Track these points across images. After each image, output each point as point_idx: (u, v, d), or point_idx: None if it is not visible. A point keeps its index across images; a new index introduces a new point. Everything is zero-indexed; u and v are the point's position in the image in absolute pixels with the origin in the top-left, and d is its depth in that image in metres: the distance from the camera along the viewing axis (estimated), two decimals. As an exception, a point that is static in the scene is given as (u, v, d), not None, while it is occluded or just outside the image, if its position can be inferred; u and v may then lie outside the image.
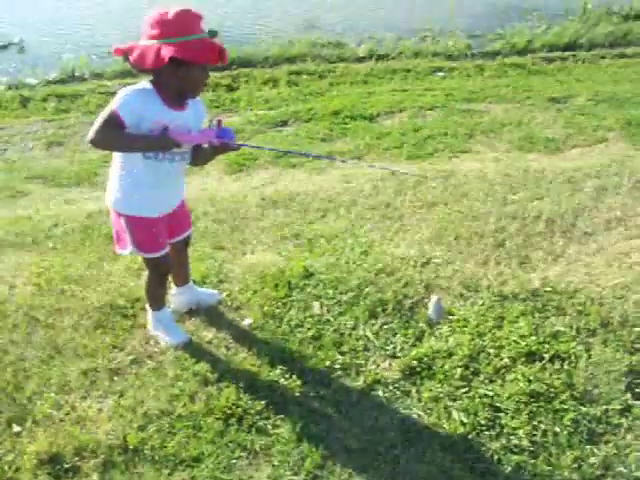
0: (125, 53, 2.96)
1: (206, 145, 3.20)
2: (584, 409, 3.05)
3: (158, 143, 3.02)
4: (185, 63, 2.92)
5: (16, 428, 3.02)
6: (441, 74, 10.36)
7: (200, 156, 3.28)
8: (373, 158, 6.51)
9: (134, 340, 3.57)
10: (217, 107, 8.77)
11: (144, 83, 3.05)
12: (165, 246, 3.38)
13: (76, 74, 10.50)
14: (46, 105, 9.19)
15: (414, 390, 3.21)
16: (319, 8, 13.93)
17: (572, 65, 10.60)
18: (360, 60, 11.07)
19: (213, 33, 2.96)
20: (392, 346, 3.49)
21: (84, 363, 3.39)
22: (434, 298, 3.73)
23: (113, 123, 2.92)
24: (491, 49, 11.39)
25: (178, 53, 2.85)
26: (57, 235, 4.83)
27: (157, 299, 3.56)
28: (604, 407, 3.06)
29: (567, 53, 11.08)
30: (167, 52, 2.85)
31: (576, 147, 6.54)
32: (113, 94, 3.07)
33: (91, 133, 2.91)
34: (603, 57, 10.94)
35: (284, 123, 8.07)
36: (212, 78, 9.49)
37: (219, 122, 3.16)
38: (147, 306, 3.60)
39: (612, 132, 6.90)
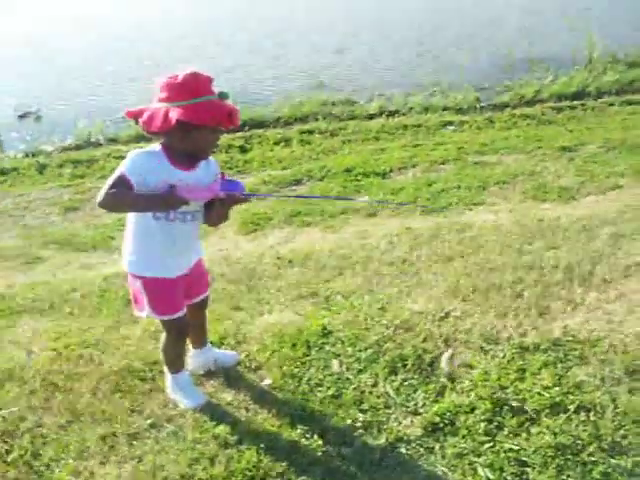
0: (136, 116, 3.01)
1: (216, 201, 3.20)
2: (614, 461, 2.97)
3: (165, 201, 3.03)
4: (194, 125, 2.96)
5: (35, 497, 2.99)
6: (452, 128, 10.44)
7: (212, 213, 3.28)
8: (388, 214, 6.51)
9: (152, 404, 3.53)
10: (230, 168, 8.85)
11: (154, 145, 3.10)
12: (182, 307, 3.37)
13: (91, 140, 10.67)
14: (62, 171, 9.32)
15: (437, 447, 3.15)
16: (327, 68, 14.14)
17: (581, 114, 10.66)
18: (371, 117, 11.18)
19: (224, 95, 3.01)
20: (413, 402, 3.44)
21: (102, 428, 3.35)
22: (447, 354, 3.69)
23: (121, 184, 2.96)
24: (500, 101, 11.49)
25: (185, 116, 2.89)
26: (74, 300, 4.85)
27: (175, 362, 3.53)
28: (635, 459, 2.98)
29: (575, 102, 11.15)
30: (175, 114, 2.89)
31: (590, 195, 6.54)
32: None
33: (100, 195, 2.97)
34: (611, 104, 11.01)
35: (298, 182, 8.12)
36: (225, 140, 9.65)
37: (222, 174, 3.18)
38: (165, 369, 3.58)
39: (625, 178, 6.90)
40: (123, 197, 3.00)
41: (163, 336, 3.50)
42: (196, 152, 3.13)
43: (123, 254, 3.33)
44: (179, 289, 3.34)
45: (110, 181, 2.97)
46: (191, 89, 2.93)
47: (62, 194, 8.31)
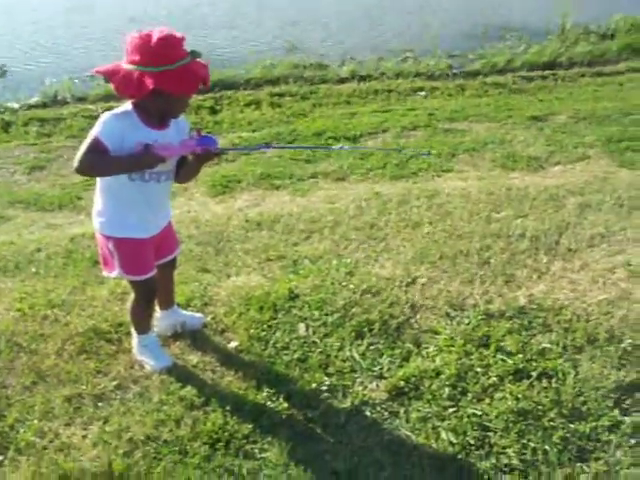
0: (106, 75, 2.96)
1: (190, 157, 3.19)
2: (573, 426, 3.04)
3: (143, 160, 3.01)
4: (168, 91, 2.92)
5: (-2, 457, 2.98)
6: (423, 94, 10.40)
7: (186, 170, 3.27)
8: (356, 179, 6.50)
9: (119, 365, 3.53)
10: (200, 129, 8.75)
11: (126, 105, 3.07)
12: (153, 268, 3.36)
13: (58, 98, 10.45)
14: (28, 129, 9.13)
15: (402, 411, 3.20)
16: (300, 30, 14.00)
17: (552, 84, 10.68)
18: (342, 81, 11.08)
19: (196, 54, 2.97)
20: (379, 367, 3.47)
21: (68, 389, 3.35)
22: None
23: (96, 149, 2.93)
24: (472, 69, 11.45)
25: (160, 84, 2.86)
26: (40, 260, 4.79)
27: (143, 323, 3.53)
28: (593, 424, 3.05)
29: (547, 72, 11.16)
30: (149, 82, 2.84)
31: (558, 165, 6.58)
32: (96, 117, 3.08)
33: (76, 161, 2.92)
34: (582, 75, 11.04)
35: (268, 145, 8.05)
36: (195, 101, 9.53)
37: (198, 131, 3.16)
38: (132, 330, 3.57)
39: (593, 149, 6.95)
40: (100, 162, 2.97)
41: (131, 297, 3.48)
42: (168, 113, 3.11)
43: (93, 215, 3.30)
44: (150, 250, 3.34)
45: (85, 146, 2.93)
46: (166, 54, 2.88)
47: (28, 153, 8.16)
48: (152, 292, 3.45)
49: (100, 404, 3.27)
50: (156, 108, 3.03)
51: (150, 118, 3.06)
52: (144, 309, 3.50)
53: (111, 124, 2.98)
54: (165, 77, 2.87)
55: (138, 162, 3.03)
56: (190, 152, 3.16)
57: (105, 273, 3.43)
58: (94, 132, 2.95)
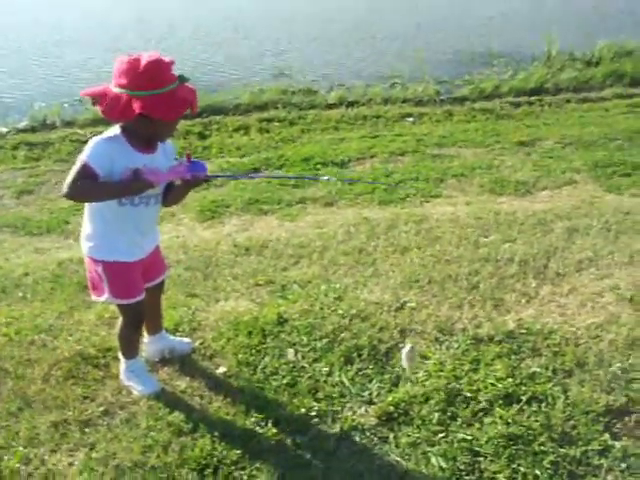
0: (93, 97, 2.96)
1: (178, 182, 3.20)
2: (563, 451, 3.03)
3: (132, 186, 3.02)
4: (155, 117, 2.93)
5: (-18, 484, 2.94)
6: (411, 120, 10.46)
7: (174, 194, 3.28)
8: (345, 204, 6.52)
9: (106, 391, 3.50)
10: (187, 153, 8.76)
11: (114, 129, 3.06)
12: (142, 292, 3.35)
13: (47, 122, 10.46)
14: (16, 153, 9.12)
15: (392, 436, 3.18)
16: (289, 57, 14.09)
17: (539, 109, 10.77)
18: (330, 107, 11.14)
19: (184, 79, 2.97)
20: (368, 392, 3.46)
21: (54, 415, 3.31)
22: (407, 347, 3.54)
23: (85, 174, 2.92)
24: (459, 94, 11.55)
25: (147, 110, 2.86)
26: (27, 284, 4.76)
27: (130, 348, 3.50)
28: (583, 448, 3.04)
29: (533, 98, 11.26)
30: (136, 107, 2.85)
31: (545, 189, 6.62)
32: (84, 142, 3.07)
33: (65, 187, 2.91)
34: (568, 101, 11.14)
35: (256, 170, 8.07)
36: (183, 126, 9.56)
37: (188, 156, 3.17)
38: (120, 355, 3.54)
39: (580, 174, 7.00)
40: (90, 188, 2.96)
41: (119, 321, 3.46)
42: (155, 137, 3.11)
43: (82, 239, 3.29)
44: (139, 273, 3.33)
45: (74, 172, 2.92)
46: (153, 79, 2.88)
47: (16, 177, 8.14)
48: (140, 316, 3.43)
49: (87, 430, 3.23)
50: (143, 132, 3.04)
51: (138, 142, 3.06)
52: (132, 334, 3.48)
53: (100, 149, 2.98)
54: (152, 102, 2.87)
55: (128, 188, 3.03)
56: (179, 178, 3.16)
57: (94, 297, 3.41)
58: (83, 157, 2.94)
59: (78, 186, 2.91)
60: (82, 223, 3.29)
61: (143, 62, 2.86)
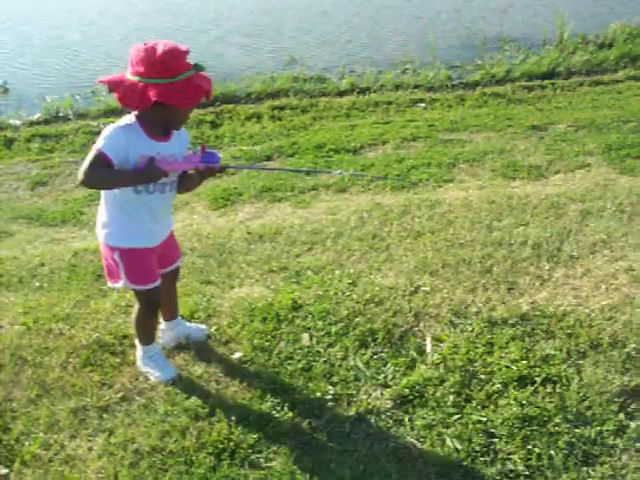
0: (109, 85, 2.98)
1: (192, 171, 3.22)
2: (578, 431, 3.04)
3: (147, 174, 3.04)
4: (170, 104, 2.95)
5: (3, 470, 2.99)
6: (423, 105, 10.45)
7: (187, 183, 3.30)
8: (358, 190, 6.53)
9: (123, 377, 3.54)
10: (201, 143, 8.80)
11: (129, 117, 3.09)
12: (158, 277, 3.38)
13: (60, 114, 10.53)
14: (30, 146, 9.20)
15: (407, 418, 3.20)
16: (300, 44, 14.07)
17: (551, 93, 10.73)
18: (342, 94, 11.15)
19: (200, 67, 2.99)
20: (383, 375, 3.47)
21: (73, 402, 3.35)
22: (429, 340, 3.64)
23: (100, 162, 2.94)
24: (471, 79, 11.52)
25: (162, 97, 2.88)
26: (43, 274, 4.81)
27: (147, 334, 3.53)
28: (598, 428, 3.05)
29: (546, 81, 11.22)
30: (152, 95, 2.87)
31: (559, 173, 6.60)
32: (97, 133, 3.10)
33: (80, 174, 2.94)
34: (581, 84, 11.09)
35: (268, 158, 8.10)
36: (196, 114, 9.59)
37: (203, 146, 3.19)
38: (136, 341, 3.58)
39: (593, 157, 6.97)
40: (105, 175, 2.99)
41: (136, 308, 3.49)
42: (170, 125, 3.13)
43: (98, 226, 3.32)
44: (154, 259, 3.36)
45: (89, 159, 2.95)
46: (169, 67, 2.90)
47: (30, 168, 8.21)
48: (156, 302, 3.46)
49: (105, 416, 3.27)
50: (159, 119, 3.06)
51: (153, 129, 3.08)
52: (148, 320, 3.51)
53: (115, 136, 3.00)
54: (168, 90, 2.89)
55: (142, 176, 3.05)
56: (193, 167, 3.18)
57: (110, 284, 3.44)
58: (98, 145, 2.97)
59: (92, 173, 2.94)
60: (98, 211, 3.32)
61: (159, 50, 2.88)
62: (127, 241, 3.23)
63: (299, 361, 3.59)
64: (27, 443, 3.12)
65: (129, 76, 2.94)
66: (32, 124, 10.26)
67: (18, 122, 10.28)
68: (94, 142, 3.03)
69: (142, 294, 3.39)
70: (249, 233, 5.36)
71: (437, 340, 3.72)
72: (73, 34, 15.44)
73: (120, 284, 3.35)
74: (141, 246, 3.26)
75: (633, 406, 3.19)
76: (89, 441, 3.13)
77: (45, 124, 10.26)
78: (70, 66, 13.16)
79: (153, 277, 3.36)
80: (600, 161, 6.85)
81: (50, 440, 3.14)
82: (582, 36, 12.96)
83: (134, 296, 3.46)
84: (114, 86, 2.96)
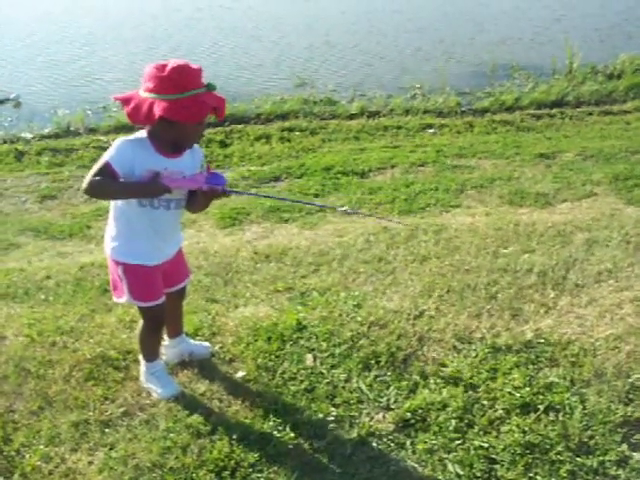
0: (123, 102, 3.02)
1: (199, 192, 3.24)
2: (580, 460, 3.03)
3: (149, 189, 3.06)
4: (177, 120, 2.97)
5: (4, 482, 2.98)
6: (431, 131, 10.49)
7: (194, 202, 3.30)
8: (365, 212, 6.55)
9: (126, 392, 3.54)
10: (210, 163, 8.81)
11: (141, 132, 3.12)
12: (161, 295, 3.39)
13: (71, 129, 10.61)
14: (40, 159, 9.26)
15: (408, 442, 3.19)
16: (310, 67, 14.16)
17: (560, 122, 10.77)
18: (351, 117, 11.20)
19: (212, 87, 3.02)
20: (386, 398, 3.47)
21: (75, 415, 3.36)
22: None
23: (105, 173, 2.98)
24: (480, 106, 11.56)
25: (168, 112, 2.91)
26: (49, 287, 4.83)
27: (150, 350, 3.54)
28: (600, 458, 3.04)
29: (554, 110, 11.26)
30: (158, 110, 2.90)
31: (566, 201, 6.61)
32: (107, 149, 3.12)
33: (85, 182, 2.99)
34: (590, 114, 11.12)
35: (277, 179, 8.14)
36: (205, 134, 9.62)
37: (208, 167, 3.21)
38: (140, 357, 3.59)
39: (600, 187, 6.98)
40: (107, 185, 3.02)
41: (140, 324, 3.51)
42: (180, 142, 3.15)
43: (105, 240, 3.34)
44: (159, 277, 3.36)
45: (95, 169, 2.99)
46: (177, 84, 2.93)
47: (40, 182, 8.26)
48: (160, 319, 3.47)
49: (107, 430, 3.27)
50: (168, 136, 3.08)
51: (163, 146, 3.10)
52: (151, 336, 3.52)
53: (123, 150, 3.03)
54: (174, 106, 2.92)
55: (144, 189, 3.08)
56: (197, 187, 3.17)
57: (115, 299, 3.46)
58: (106, 156, 3.01)
59: (96, 182, 2.97)
60: (107, 225, 3.35)
61: (168, 67, 2.93)
62: (131, 257, 3.25)
63: (302, 382, 3.59)
64: (28, 455, 3.12)
65: (141, 93, 2.99)
66: (43, 137, 10.33)
67: (29, 135, 10.36)
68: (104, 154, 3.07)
69: (145, 311, 3.40)
70: (255, 253, 5.37)
71: (440, 365, 3.72)
72: (87, 49, 15.56)
73: (123, 299, 3.37)
74: (145, 263, 3.27)
75: (636, 437, 3.18)
76: (90, 455, 3.13)
77: (56, 138, 10.33)
78: (82, 81, 13.26)
79: (156, 294, 3.37)
80: (607, 191, 6.86)
81: (51, 453, 3.14)
82: (591, 66, 13.03)
83: (138, 311, 3.47)
84: (125, 102, 3.00)
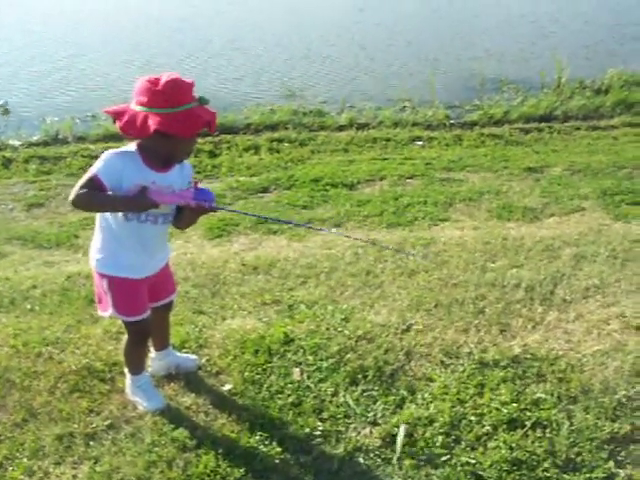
0: (115, 115, 3.00)
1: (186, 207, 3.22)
2: (567, 477, 3.03)
3: (136, 203, 3.05)
4: (171, 134, 2.96)
5: (-13, 495, 2.95)
6: (420, 143, 10.51)
7: (182, 217, 3.28)
8: (353, 225, 6.54)
9: (111, 404, 3.52)
10: (199, 173, 8.81)
11: (130, 145, 3.11)
12: (146, 309, 3.37)
13: (59, 137, 10.55)
14: (28, 167, 9.20)
15: (395, 458, 3.18)
16: (300, 78, 14.18)
17: (548, 136, 10.80)
18: (341, 129, 11.20)
19: (204, 101, 3.02)
20: (373, 413, 3.46)
21: (59, 427, 3.33)
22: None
23: (93, 185, 2.98)
24: (469, 119, 11.58)
25: (163, 125, 2.91)
26: (35, 297, 4.79)
27: (136, 363, 3.52)
28: (587, 475, 3.04)
29: (543, 124, 11.28)
30: (152, 124, 2.90)
31: (553, 216, 6.63)
32: (95, 157, 3.12)
33: (72, 194, 2.99)
34: (578, 129, 11.16)
35: (265, 190, 8.11)
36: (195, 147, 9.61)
37: (195, 183, 3.20)
38: (125, 370, 3.56)
39: (588, 201, 7.01)
40: (94, 198, 3.01)
41: (125, 337, 3.48)
42: (171, 157, 3.14)
43: (91, 252, 3.33)
44: (144, 291, 3.34)
45: (82, 181, 2.98)
46: (170, 98, 2.93)
47: (27, 190, 8.21)
48: (145, 333, 3.45)
49: (91, 443, 3.25)
50: (160, 150, 3.07)
51: (152, 160, 3.10)
52: (137, 350, 3.50)
53: (112, 163, 3.03)
54: (168, 119, 2.92)
55: (131, 204, 3.06)
56: (185, 203, 3.15)
57: (99, 312, 3.44)
58: (94, 169, 3.00)
59: (83, 194, 2.96)
60: (93, 236, 3.32)
61: (162, 81, 2.93)
62: (115, 270, 3.24)
63: (289, 395, 3.58)
64: (10, 468, 3.10)
65: (133, 106, 2.97)
66: (31, 145, 10.25)
67: (17, 143, 10.29)
68: (91, 165, 3.05)
69: (130, 325, 3.38)
70: (243, 264, 5.35)
71: (428, 379, 3.71)
72: (76, 57, 15.53)
73: (108, 313, 3.35)
74: (128, 277, 3.26)
75: (623, 454, 3.19)
76: (74, 468, 3.11)
77: (44, 146, 10.25)
78: (71, 89, 13.22)
79: (141, 309, 3.35)
80: (595, 206, 6.89)
81: (34, 466, 3.11)
82: (579, 81, 13.09)
83: (123, 325, 3.45)
84: (118, 115, 2.98)
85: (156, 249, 3.36)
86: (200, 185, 3.24)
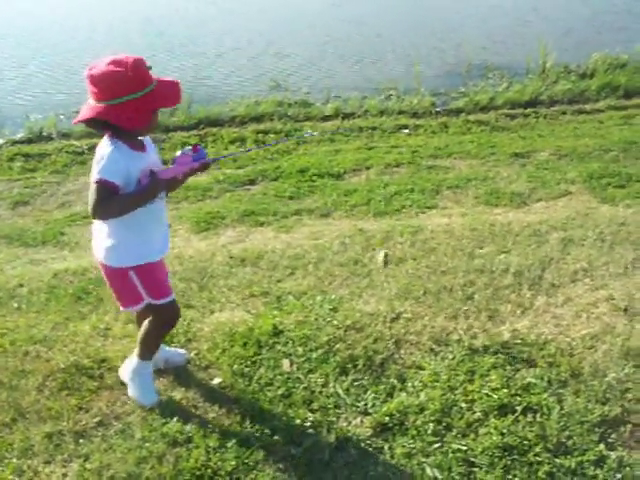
0: (107, 119, 2.96)
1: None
2: (558, 461, 3.03)
3: (153, 190, 3.06)
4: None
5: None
6: (406, 131, 10.49)
7: (172, 183, 3.23)
8: (341, 215, 6.53)
9: (100, 401, 3.50)
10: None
11: (106, 140, 3.04)
12: (172, 289, 3.40)
13: (43, 134, 10.48)
14: (12, 165, 9.13)
15: (386, 447, 3.18)
16: (284, 69, 14.13)
17: (534, 121, 10.81)
18: (326, 119, 11.17)
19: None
20: (363, 402, 3.46)
21: (48, 426, 3.31)
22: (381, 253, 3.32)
23: (106, 191, 2.93)
24: (455, 106, 11.57)
25: (159, 104, 3.03)
26: (22, 295, 4.76)
27: (153, 348, 3.50)
28: (579, 459, 3.04)
29: (529, 110, 11.28)
30: (152, 106, 3.00)
31: (541, 201, 6.63)
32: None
33: (92, 211, 2.96)
34: (563, 113, 11.17)
35: (252, 182, 8.08)
36: (180, 137, 9.59)
37: (194, 146, 3.20)
38: (135, 354, 3.50)
39: (575, 185, 7.01)
40: (115, 205, 2.98)
41: (147, 322, 3.43)
42: (143, 132, 3.14)
43: (98, 251, 3.25)
44: (165, 272, 3.41)
45: (94, 195, 2.93)
46: (144, 77, 2.94)
47: (12, 188, 8.15)
48: (177, 312, 3.48)
49: (81, 441, 3.23)
50: (150, 127, 3.11)
51: (134, 142, 3.09)
52: (163, 333, 3.53)
53: (113, 160, 2.97)
54: (154, 97, 2.95)
55: (150, 193, 3.06)
56: (189, 168, 3.17)
57: (128, 309, 3.42)
58: (97, 176, 2.94)
59: (102, 207, 2.94)
60: (95, 236, 3.26)
61: (129, 66, 2.89)
62: (136, 259, 3.21)
63: (279, 387, 3.57)
64: (0, 469, 3.07)
65: (109, 102, 2.91)
66: (15, 143, 10.19)
67: (1, 141, 10.23)
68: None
69: (164, 307, 3.35)
70: (231, 257, 5.33)
71: (418, 367, 3.71)
72: (59, 54, 15.41)
73: (142, 304, 3.32)
74: (152, 260, 3.26)
75: (613, 436, 3.19)
76: (64, 467, 3.09)
77: (28, 143, 10.20)
78: (54, 85, 13.12)
79: (170, 289, 3.40)
80: (582, 190, 6.89)
81: (23, 466, 3.09)
82: (564, 66, 13.09)
83: (152, 312, 3.39)
84: (111, 118, 2.93)
85: (164, 221, 3.38)
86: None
